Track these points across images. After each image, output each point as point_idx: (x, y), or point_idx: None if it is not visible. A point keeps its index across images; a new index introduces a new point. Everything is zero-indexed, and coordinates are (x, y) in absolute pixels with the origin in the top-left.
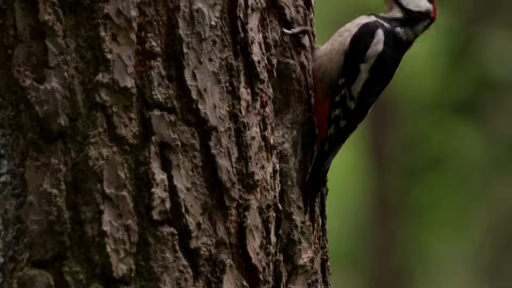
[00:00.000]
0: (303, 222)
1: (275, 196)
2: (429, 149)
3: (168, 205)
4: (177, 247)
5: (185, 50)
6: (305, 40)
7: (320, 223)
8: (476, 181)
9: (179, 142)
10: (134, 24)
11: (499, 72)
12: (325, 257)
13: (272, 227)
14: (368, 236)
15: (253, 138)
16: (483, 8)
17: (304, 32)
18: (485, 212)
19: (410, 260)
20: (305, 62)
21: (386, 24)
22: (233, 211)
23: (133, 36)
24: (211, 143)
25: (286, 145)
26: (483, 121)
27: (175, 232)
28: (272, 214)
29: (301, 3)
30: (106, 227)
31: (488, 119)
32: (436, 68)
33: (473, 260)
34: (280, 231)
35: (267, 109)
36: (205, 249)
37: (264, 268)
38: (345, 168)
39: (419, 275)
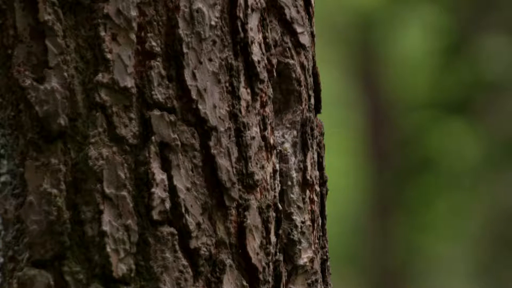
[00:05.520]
0: (303, 222)
1: (275, 196)
2: (425, 149)
3: (168, 205)
4: (177, 247)
5: (185, 50)
6: (305, 40)
7: (320, 223)
8: (471, 180)
9: (179, 142)
10: (134, 24)
11: (493, 72)
12: (325, 257)
13: (272, 227)
14: (367, 236)
15: (253, 138)
16: (478, 8)
17: None
18: (481, 210)
19: (408, 260)
20: (305, 62)
21: None
22: (233, 211)
23: (133, 36)
24: (211, 143)
25: (286, 145)
26: (478, 120)
27: (175, 232)
28: (272, 214)
29: (301, 3)
30: (106, 227)
31: (482, 118)
32: (430, 67)
33: (470, 259)
34: (280, 231)
35: (267, 109)
36: (205, 249)
37: (264, 268)
38: (343, 168)
39: (417, 274)
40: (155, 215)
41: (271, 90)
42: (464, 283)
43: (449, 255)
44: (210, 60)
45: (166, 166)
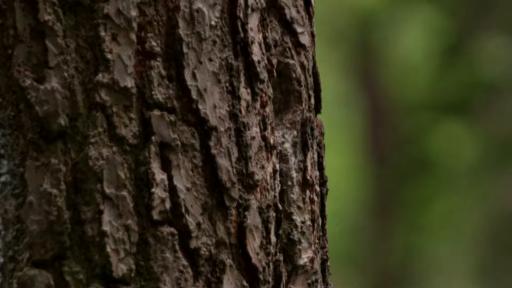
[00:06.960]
0: (303, 222)
1: (275, 196)
2: (424, 149)
3: (168, 205)
4: (177, 247)
5: (185, 50)
6: (305, 40)
7: (320, 223)
8: (470, 181)
9: (179, 142)
10: (134, 24)
11: (491, 73)
12: (325, 257)
13: (272, 227)
14: (366, 236)
15: (253, 138)
16: (477, 8)
17: None
18: (480, 211)
19: (408, 260)
20: (305, 62)
21: None
22: (233, 211)
23: (133, 36)
24: (211, 143)
25: (286, 145)
26: (476, 121)
27: (175, 232)
28: (272, 214)
29: (301, 3)
30: (106, 227)
31: (481, 119)
32: (430, 68)
33: (469, 260)
34: (280, 231)
35: (267, 109)
36: (205, 249)
37: (264, 268)
38: (342, 168)
39: (416, 274)
40: (155, 215)
41: (271, 90)
42: (463, 283)
43: (448, 256)
44: (210, 60)
45: (166, 166)
